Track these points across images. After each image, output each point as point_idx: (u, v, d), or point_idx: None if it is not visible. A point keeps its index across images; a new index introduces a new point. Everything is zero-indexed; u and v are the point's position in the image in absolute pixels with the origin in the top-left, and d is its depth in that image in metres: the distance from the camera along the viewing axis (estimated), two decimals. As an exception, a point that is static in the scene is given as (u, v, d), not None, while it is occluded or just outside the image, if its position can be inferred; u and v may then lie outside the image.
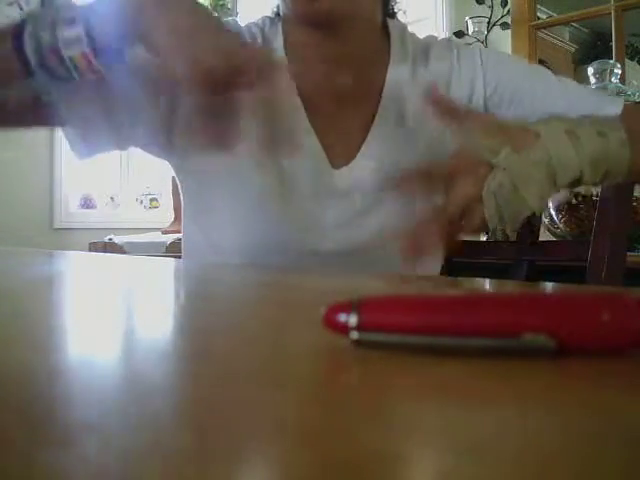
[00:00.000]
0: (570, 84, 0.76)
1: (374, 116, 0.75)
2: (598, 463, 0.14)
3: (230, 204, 0.74)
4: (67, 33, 0.56)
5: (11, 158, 3.07)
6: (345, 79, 0.75)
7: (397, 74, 0.77)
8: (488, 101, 0.77)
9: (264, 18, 0.79)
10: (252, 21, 0.80)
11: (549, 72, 0.76)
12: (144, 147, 0.77)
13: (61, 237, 3.18)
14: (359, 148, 0.75)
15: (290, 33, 0.76)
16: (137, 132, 0.72)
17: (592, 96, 0.75)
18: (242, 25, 0.78)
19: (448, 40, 0.83)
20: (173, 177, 0.89)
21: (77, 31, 0.56)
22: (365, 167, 0.74)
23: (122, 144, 0.73)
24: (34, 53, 0.57)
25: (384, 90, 0.76)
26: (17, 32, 0.57)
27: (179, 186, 0.82)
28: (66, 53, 0.56)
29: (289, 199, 0.73)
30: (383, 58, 0.78)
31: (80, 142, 0.68)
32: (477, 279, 0.82)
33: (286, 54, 0.76)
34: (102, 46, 0.56)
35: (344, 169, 0.74)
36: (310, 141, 0.74)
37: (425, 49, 0.79)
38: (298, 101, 0.74)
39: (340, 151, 0.75)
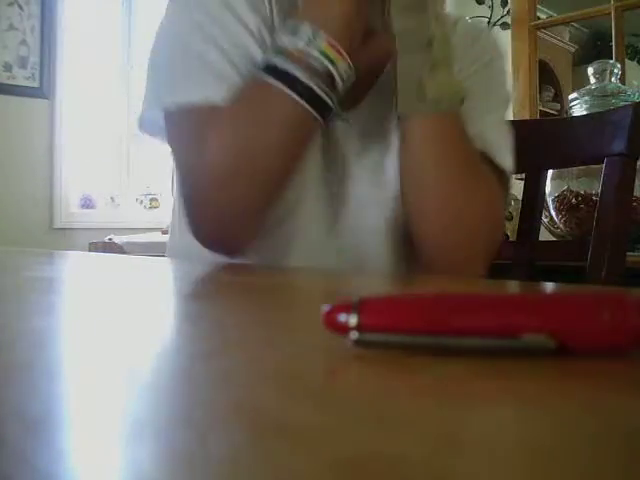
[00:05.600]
0: (502, 124, 0.73)
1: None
2: (598, 463, 0.14)
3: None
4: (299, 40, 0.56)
5: (11, 158, 3.07)
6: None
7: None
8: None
9: None
10: None
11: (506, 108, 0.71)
12: None
13: (61, 237, 3.18)
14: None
15: None
16: None
17: (502, 139, 0.72)
18: None
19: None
20: (173, 177, 0.87)
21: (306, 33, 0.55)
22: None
23: None
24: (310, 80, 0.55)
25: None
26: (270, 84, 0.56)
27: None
28: (312, 52, 0.55)
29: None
30: None
31: None
32: (477, 279, 0.82)
33: None
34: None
35: None
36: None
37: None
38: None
39: None
